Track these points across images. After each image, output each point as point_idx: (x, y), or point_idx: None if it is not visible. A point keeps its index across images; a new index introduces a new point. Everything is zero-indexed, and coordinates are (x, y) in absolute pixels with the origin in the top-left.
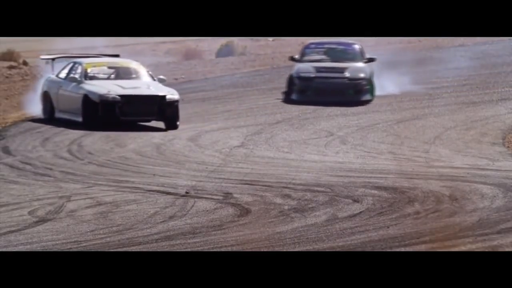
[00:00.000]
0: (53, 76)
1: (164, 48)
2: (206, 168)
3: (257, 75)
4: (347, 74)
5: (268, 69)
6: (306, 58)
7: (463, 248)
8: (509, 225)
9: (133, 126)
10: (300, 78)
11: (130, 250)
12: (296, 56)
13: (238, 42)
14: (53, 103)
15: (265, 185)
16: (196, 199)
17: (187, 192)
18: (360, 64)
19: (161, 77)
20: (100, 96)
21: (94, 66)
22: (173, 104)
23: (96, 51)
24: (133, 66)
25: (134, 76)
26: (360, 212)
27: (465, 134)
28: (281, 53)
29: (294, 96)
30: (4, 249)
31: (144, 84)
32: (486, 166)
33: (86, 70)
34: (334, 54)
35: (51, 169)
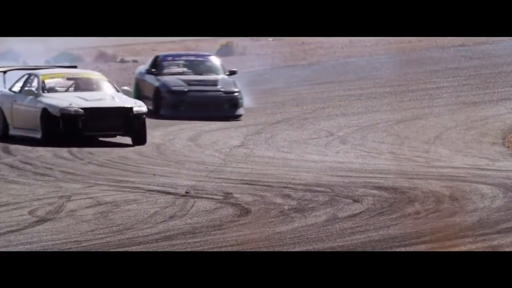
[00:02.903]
0: (6, 90)
1: (164, 48)
2: (206, 168)
3: (257, 75)
4: (221, 88)
5: (268, 69)
6: (166, 70)
7: (463, 248)
8: (509, 225)
9: (96, 142)
10: (172, 92)
11: (130, 250)
12: (151, 69)
13: (238, 42)
14: (6, 119)
15: (265, 185)
16: (196, 199)
17: (187, 192)
18: (227, 77)
19: (126, 88)
20: (61, 109)
21: (52, 78)
22: (141, 117)
23: (96, 51)
24: (94, 77)
25: (95, 87)
26: (360, 212)
27: (465, 134)
28: (281, 53)
29: (164, 111)
30: (4, 249)
31: (108, 95)
32: (486, 166)
33: (43, 82)
34: (195, 67)
35: (51, 169)
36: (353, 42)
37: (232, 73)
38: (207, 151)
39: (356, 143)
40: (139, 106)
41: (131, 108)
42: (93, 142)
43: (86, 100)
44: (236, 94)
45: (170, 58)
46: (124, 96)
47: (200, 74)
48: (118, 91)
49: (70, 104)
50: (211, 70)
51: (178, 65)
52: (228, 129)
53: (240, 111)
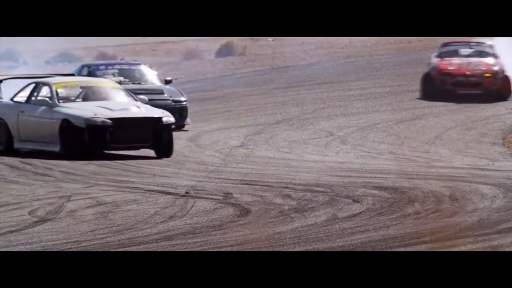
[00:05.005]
0: (7, 100)
1: (164, 48)
2: (206, 168)
3: (257, 75)
4: (168, 96)
5: (268, 69)
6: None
7: (463, 248)
8: (509, 225)
9: (119, 155)
10: None
11: (130, 250)
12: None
13: (238, 42)
14: (11, 132)
15: (265, 185)
16: (196, 199)
17: (187, 192)
18: (169, 86)
19: (142, 96)
20: (86, 120)
21: (65, 86)
22: (170, 128)
23: (96, 51)
24: (108, 85)
25: (103, 96)
26: (360, 212)
27: (465, 134)
28: (281, 53)
29: None
30: (4, 249)
31: (133, 105)
32: (486, 166)
33: (56, 91)
34: (131, 76)
35: (51, 169)
36: (353, 42)
37: (168, 82)
38: (207, 151)
39: (356, 143)
40: (168, 116)
41: (160, 118)
42: (116, 155)
43: (111, 110)
44: (184, 103)
45: (103, 67)
46: (149, 106)
47: (138, 83)
48: (135, 100)
49: (95, 115)
50: (147, 78)
51: (113, 74)
52: (228, 129)
53: (188, 121)
